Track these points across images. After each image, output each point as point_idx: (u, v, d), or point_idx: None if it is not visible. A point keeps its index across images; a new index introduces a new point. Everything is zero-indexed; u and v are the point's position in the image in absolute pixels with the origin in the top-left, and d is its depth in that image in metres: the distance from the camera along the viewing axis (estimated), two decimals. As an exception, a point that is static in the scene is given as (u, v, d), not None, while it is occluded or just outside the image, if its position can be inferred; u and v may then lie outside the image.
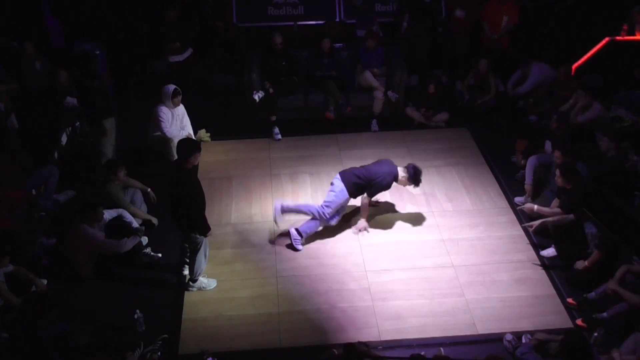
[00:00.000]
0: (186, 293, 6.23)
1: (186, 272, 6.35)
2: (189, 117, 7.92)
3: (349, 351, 4.91)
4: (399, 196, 7.60)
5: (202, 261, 6.14)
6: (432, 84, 9.09)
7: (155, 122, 7.59)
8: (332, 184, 6.85)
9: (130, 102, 9.27)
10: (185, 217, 5.81)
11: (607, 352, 5.17)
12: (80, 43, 9.25)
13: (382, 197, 7.54)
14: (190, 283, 6.24)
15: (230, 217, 7.30)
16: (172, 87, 7.51)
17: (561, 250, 6.51)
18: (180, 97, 7.60)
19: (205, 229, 5.94)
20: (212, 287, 6.30)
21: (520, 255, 6.69)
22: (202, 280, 6.27)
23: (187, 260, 6.26)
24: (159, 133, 7.60)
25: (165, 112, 7.54)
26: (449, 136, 8.83)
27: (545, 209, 6.55)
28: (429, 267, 6.55)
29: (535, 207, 6.63)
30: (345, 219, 7.19)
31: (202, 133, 8.70)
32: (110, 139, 7.66)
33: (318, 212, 6.75)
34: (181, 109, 7.74)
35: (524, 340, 5.56)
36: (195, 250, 6.03)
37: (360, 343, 5.24)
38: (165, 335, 5.70)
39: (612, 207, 6.41)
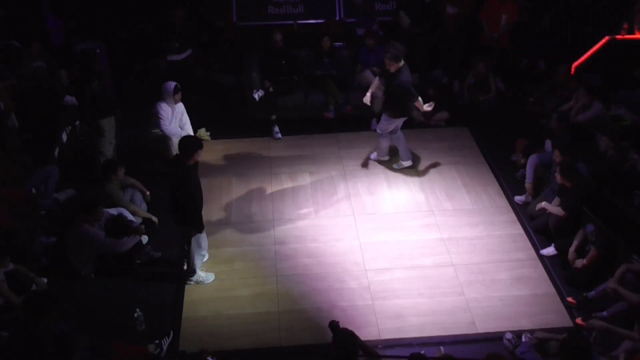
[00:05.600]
0: (186, 292, 6.24)
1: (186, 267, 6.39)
2: (190, 116, 7.91)
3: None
4: (398, 194, 7.61)
5: (198, 254, 6.17)
6: (430, 88, 9.11)
7: (154, 119, 7.58)
8: None
9: (130, 101, 9.27)
10: (181, 213, 5.86)
11: (607, 351, 5.19)
12: (80, 42, 9.25)
13: (380, 193, 7.56)
14: (189, 278, 6.27)
15: (230, 216, 7.30)
16: (172, 83, 7.52)
17: (561, 248, 6.52)
18: (180, 94, 7.61)
19: (199, 227, 5.98)
20: (210, 280, 6.33)
21: (520, 254, 6.69)
22: (200, 274, 6.30)
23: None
24: (157, 130, 7.60)
25: (165, 110, 7.54)
26: (449, 135, 8.83)
27: (553, 208, 6.55)
28: (429, 266, 6.55)
29: (543, 203, 6.67)
30: (342, 216, 7.21)
31: (202, 132, 8.70)
32: (109, 138, 7.65)
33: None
34: (180, 107, 7.74)
35: (523, 339, 5.56)
36: (190, 244, 6.07)
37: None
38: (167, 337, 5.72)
39: (612, 206, 6.41)
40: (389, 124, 7.76)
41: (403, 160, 8.07)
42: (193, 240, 6.04)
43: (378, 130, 7.96)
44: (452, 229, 7.06)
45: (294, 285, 6.32)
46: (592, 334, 5.46)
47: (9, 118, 7.58)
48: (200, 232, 6.03)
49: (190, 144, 5.80)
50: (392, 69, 7.27)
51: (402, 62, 7.26)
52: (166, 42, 9.06)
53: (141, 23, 9.99)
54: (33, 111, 7.89)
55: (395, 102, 7.55)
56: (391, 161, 8.19)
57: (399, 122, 7.79)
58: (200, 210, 5.97)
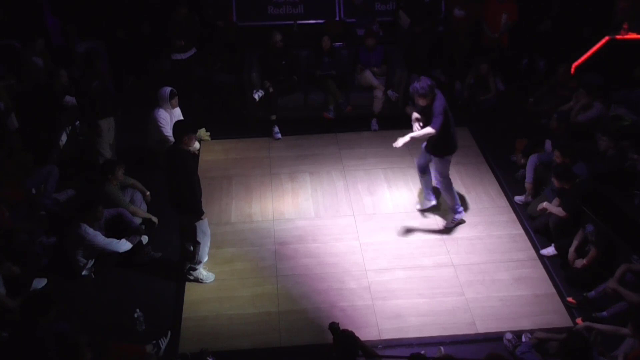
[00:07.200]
0: (186, 292, 6.23)
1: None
2: (189, 116, 7.91)
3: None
4: (398, 194, 7.61)
5: (205, 244, 6.16)
6: None
7: (154, 126, 7.58)
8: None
9: (130, 101, 9.27)
10: (179, 199, 5.86)
11: (607, 351, 5.18)
12: (80, 42, 9.25)
13: (380, 193, 7.56)
14: (190, 271, 6.26)
15: (230, 216, 7.30)
16: (167, 89, 7.52)
17: (561, 249, 6.52)
18: (177, 99, 7.61)
19: (199, 212, 5.97)
20: (210, 280, 6.33)
21: (520, 254, 6.70)
22: (202, 272, 6.31)
23: (191, 251, 6.28)
24: (156, 135, 7.59)
25: (163, 116, 7.54)
26: (449, 135, 8.80)
27: (554, 208, 6.55)
28: (429, 266, 6.55)
29: (544, 203, 6.67)
30: (342, 216, 7.21)
31: (202, 132, 8.70)
32: (107, 138, 7.65)
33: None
34: (177, 110, 7.75)
35: (523, 339, 5.56)
36: (195, 235, 6.05)
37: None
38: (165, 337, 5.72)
39: (611, 206, 6.41)
40: (445, 165, 6.82)
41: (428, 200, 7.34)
42: (197, 229, 6.02)
43: (437, 184, 7.02)
44: (452, 228, 7.05)
45: (294, 285, 6.32)
46: (592, 333, 5.45)
47: (9, 118, 7.59)
48: (201, 217, 6.01)
49: (180, 128, 5.81)
50: (422, 103, 6.46)
51: (432, 94, 6.39)
52: (171, 40, 9.04)
53: (141, 23, 9.98)
54: (33, 111, 7.90)
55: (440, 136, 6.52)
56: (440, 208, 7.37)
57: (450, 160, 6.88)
58: (200, 197, 5.97)
